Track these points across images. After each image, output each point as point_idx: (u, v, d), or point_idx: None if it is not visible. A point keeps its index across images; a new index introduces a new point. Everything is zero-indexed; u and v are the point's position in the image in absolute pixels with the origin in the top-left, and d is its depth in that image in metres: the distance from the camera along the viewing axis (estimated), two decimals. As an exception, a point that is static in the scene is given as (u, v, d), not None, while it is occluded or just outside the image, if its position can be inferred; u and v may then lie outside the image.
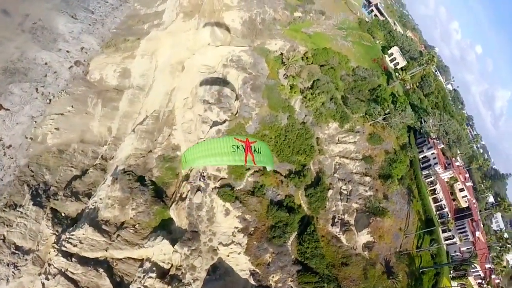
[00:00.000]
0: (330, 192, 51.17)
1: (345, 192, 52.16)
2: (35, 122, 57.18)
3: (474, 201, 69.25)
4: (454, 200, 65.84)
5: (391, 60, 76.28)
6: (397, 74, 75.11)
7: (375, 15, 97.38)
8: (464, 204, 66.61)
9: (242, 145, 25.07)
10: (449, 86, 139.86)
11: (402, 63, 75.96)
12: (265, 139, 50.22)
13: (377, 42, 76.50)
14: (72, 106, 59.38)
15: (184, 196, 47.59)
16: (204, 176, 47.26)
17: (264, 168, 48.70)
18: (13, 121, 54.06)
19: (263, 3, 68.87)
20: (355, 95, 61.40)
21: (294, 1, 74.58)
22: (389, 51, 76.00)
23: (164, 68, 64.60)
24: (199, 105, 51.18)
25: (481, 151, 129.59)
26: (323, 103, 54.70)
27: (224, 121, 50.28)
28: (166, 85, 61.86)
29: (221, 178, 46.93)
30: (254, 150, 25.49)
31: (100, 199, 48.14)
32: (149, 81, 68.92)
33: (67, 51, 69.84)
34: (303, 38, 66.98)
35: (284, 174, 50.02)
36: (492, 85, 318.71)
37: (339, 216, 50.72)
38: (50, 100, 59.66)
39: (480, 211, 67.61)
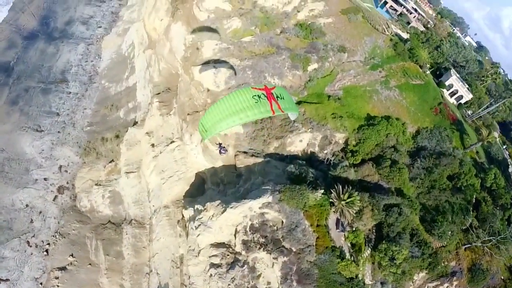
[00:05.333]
0: None
1: None
2: (41, 284, 43.67)
3: None
4: None
5: (451, 94, 47.86)
6: (465, 112, 46.04)
7: (391, 7, 63.65)
8: None
9: (263, 93, 18.70)
10: (468, 39, 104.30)
11: (467, 95, 47.84)
12: None
13: (427, 72, 46.44)
14: (72, 255, 44.92)
15: None
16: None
17: None
18: (18, 292, 41.58)
19: (261, 72, 41.38)
20: (434, 199, 35.54)
21: (299, 45, 44.18)
22: (447, 82, 46.89)
23: (159, 209, 40.02)
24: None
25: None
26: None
27: None
28: (168, 243, 39.42)
29: None
30: (277, 97, 18.91)
31: None
32: (146, 210, 47.35)
33: (45, 179, 50.89)
34: (334, 110, 40.95)
35: None
36: (493, 6, 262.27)
37: None
38: (47, 250, 45.52)
39: None
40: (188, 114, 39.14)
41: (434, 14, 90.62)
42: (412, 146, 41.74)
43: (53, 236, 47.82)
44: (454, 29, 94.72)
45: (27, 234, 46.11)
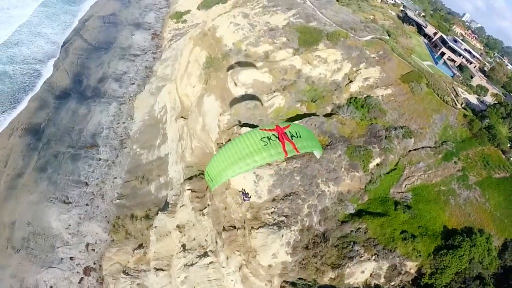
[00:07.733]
0: None
1: None
2: None
3: None
4: None
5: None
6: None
7: (449, 58, 53.34)
8: None
9: (273, 134, 16.31)
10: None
11: None
12: None
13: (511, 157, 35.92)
14: None
15: None
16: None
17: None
18: None
19: (313, 178, 33.40)
20: None
21: (356, 132, 35.94)
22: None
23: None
24: None
25: None
26: None
27: None
28: None
29: None
30: (292, 136, 16.40)
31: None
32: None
33: (71, 258, 45.13)
34: (404, 225, 33.38)
35: None
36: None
37: None
38: None
39: None
40: (223, 229, 31.73)
41: (481, 47, 79.57)
42: (497, 265, 31.82)
43: (78, 331, 42.66)
44: (504, 61, 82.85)
45: (50, 322, 42.42)
